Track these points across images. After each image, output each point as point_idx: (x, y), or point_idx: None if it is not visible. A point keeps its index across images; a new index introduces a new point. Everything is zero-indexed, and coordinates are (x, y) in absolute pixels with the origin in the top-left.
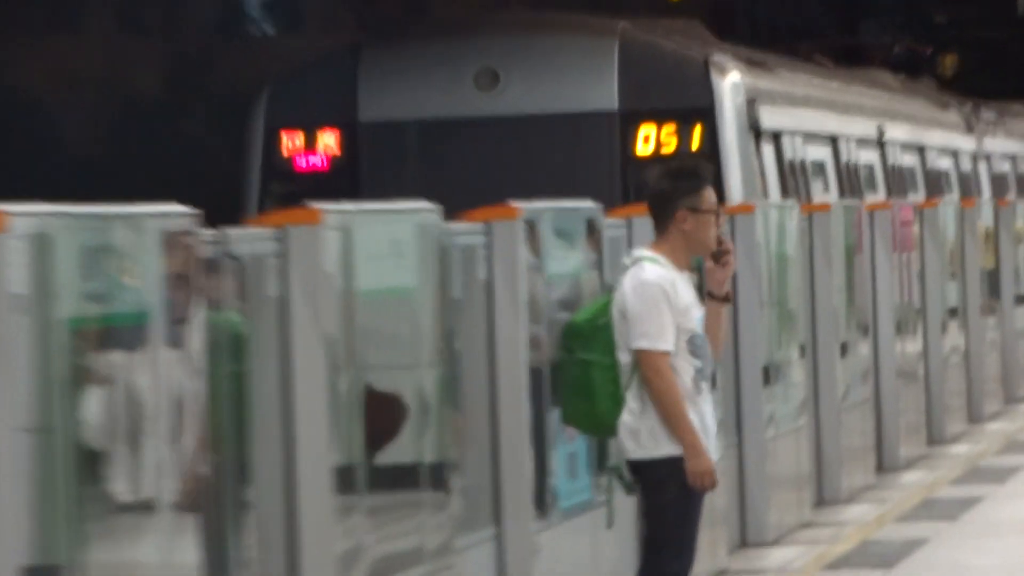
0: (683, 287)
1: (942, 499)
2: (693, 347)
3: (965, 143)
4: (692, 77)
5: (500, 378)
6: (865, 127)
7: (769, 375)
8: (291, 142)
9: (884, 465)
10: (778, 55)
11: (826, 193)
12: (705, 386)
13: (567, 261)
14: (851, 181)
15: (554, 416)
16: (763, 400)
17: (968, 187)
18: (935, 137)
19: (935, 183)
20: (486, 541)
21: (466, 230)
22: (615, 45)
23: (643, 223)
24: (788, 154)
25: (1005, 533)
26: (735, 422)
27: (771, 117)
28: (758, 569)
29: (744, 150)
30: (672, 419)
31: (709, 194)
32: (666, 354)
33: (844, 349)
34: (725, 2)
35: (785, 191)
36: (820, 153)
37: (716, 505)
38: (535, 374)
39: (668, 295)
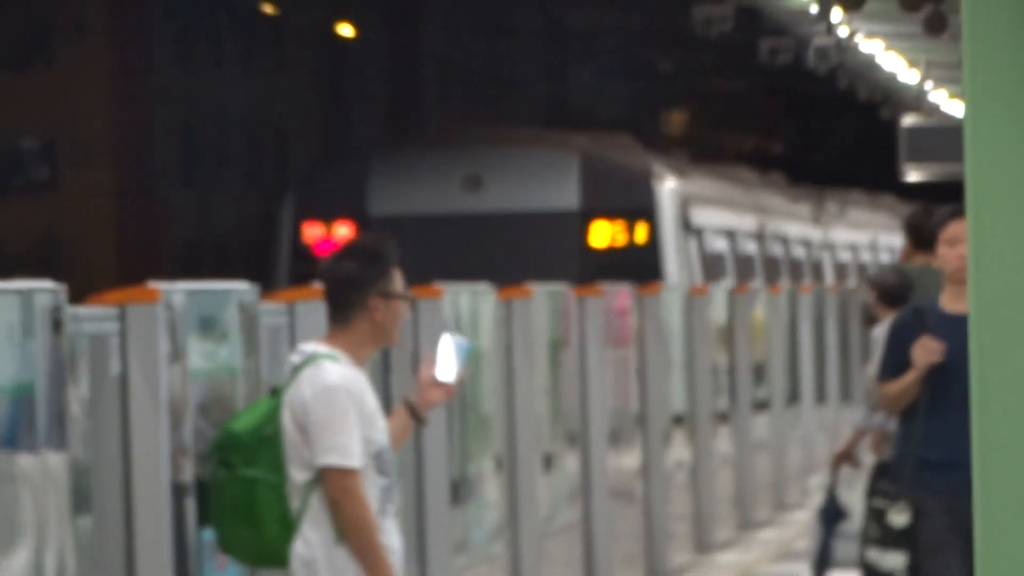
0: (368, 390)
1: None
2: (380, 463)
3: (814, 233)
4: (638, 183)
5: (136, 494)
6: (749, 222)
7: (458, 492)
8: (312, 232)
9: None
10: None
11: (725, 279)
12: (391, 508)
13: (214, 355)
14: (743, 269)
15: (201, 541)
16: (451, 522)
17: (818, 275)
18: (793, 228)
19: (796, 271)
20: None
21: (96, 316)
22: (577, 157)
23: (308, 309)
24: (707, 246)
25: None
26: (417, 548)
27: (697, 216)
28: None
29: (679, 243)
30: (366, 550)
31: (399, 277)
32: (356, 472)
33: (548, 462)
34: (410, 45)
35: (706, 278)
36: (722, 245)
37: None
38: (177, 490)
39: (356, 401)
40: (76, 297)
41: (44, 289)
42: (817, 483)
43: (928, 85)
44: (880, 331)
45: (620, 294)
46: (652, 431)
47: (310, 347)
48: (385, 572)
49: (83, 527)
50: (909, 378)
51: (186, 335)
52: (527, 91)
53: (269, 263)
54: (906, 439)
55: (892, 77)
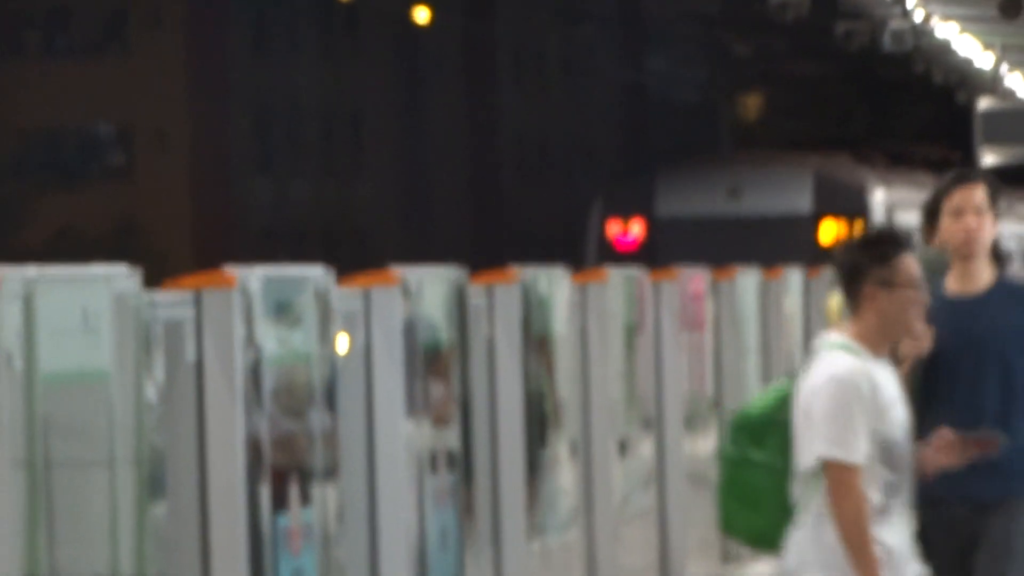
0: (883, 380)
1: None
2: (889, 456)
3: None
4: (855, 192)
5: (212, 479)
6: None
7: (534, 478)
8: (614, 228)
9: None
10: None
11: None
12: (897, 503)
13: (289, 340)
14: None
15: (276, 528)
16: (523, 507)
17: None
18: None
19: None
20: None
21: (171, 301)
22: (811, 174)
23: (383, 295)
24: None
25: None
26: (492, 533)
27: (899, 217)
28: None
29: None
30: (855, 547)
31: (906, 265)
32: (856, 468)
33: (623, 448)
34: (484, 31)
35: None
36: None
37: None
38: (252, 477)
39: (863, 394)
40: (152, 282)
41: (120, 275)
42: None
43: (1003, 68)
44: None
45: (695, 278)
46: (727, 416)
47: (832, 335)
48: (870, 571)
49: (158, 514)
50: (902, 370)
51: (259, 321)
52: (602, 76)
53: (579, 253)
54: None
55: (968, 61)
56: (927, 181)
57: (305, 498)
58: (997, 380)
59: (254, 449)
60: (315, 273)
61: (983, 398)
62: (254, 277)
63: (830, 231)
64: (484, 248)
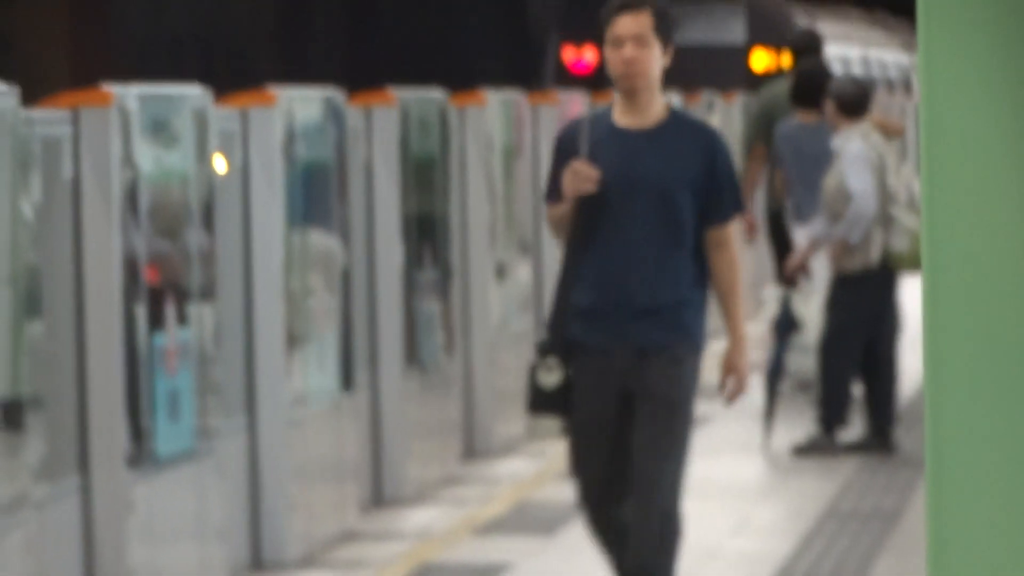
0: None
1: None
2: None
3: (906, 58)
4: (784, 25)
5: (88, 298)
6: (859, 52)
7: (410, 303)
8: (568, 54)
9: None
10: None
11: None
12: None
13: (166, 159)
14: None
15: (152, 347)
16: (401, 330)
17: (908, 89)
18: (889, 55)
19: (891, 87)
20: (70, 493)
21: (48, 119)
22: (744, 7)
23: (261, 115)
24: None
25: (689, 495)
26: (369, 359)
27: (825, 49)
28: (394, 531)
29: None
30: None
31: None
32: None
33: (500, 271)
34: None
35: None
36: (838, 68)
37: (346, 456)
38: (129, 295)
39: None
40: (29, 100)
41: None
42: (770, 295)
43: None
44: (840, 142)
45: (574, 101)
46: None
47: None
48: None
49: (34, 332)
50: (562, 207)
51: (137, 140)
52: None
53: (536, 76)
54: (561, 278)
55: None
56: (848, 13)
57: (182, 318)
58: (659, 217)
59: (131, 268)
60: (193, 92)
61: (644, 234)
62: (132, 95)
63: (761, 60)
64: (361, 70)
